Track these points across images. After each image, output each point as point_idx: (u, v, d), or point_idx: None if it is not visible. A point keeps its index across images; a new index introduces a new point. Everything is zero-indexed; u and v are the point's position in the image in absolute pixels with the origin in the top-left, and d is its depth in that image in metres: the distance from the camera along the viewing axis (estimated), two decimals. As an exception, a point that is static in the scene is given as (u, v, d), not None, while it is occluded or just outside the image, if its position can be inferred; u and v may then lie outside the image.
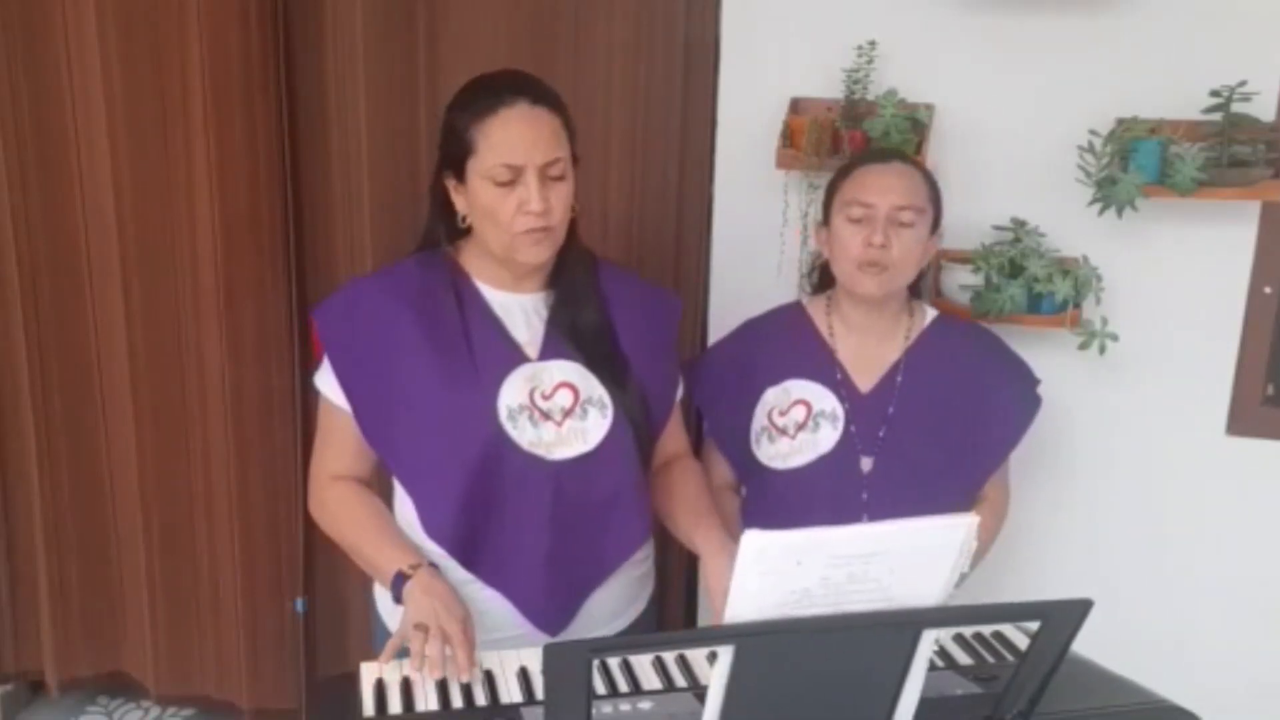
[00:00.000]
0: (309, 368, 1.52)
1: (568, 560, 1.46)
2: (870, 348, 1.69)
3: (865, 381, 1.67)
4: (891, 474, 1.62)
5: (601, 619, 1.53)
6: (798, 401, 1.66)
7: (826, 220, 1.68)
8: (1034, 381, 1.73)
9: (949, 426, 1.65)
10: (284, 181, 2.15)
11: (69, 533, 2.41)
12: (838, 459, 1.62)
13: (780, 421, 1.67)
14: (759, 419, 1.68)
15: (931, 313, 1.73)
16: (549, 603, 1.46)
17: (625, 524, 1.50)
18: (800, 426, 1.65)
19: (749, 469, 1.70)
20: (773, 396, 1.68)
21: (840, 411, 1.64)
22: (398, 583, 1.36)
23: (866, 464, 1.63)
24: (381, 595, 1.55)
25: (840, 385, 1.66)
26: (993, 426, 1.69)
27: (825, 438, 1.63)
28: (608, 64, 2.11)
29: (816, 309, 1.74)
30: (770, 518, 1.62)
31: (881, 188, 1.59)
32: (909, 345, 1.68)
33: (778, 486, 1.66)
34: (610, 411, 1.47)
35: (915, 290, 1.75)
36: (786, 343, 1.72)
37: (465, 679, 1.21)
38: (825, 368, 1.68)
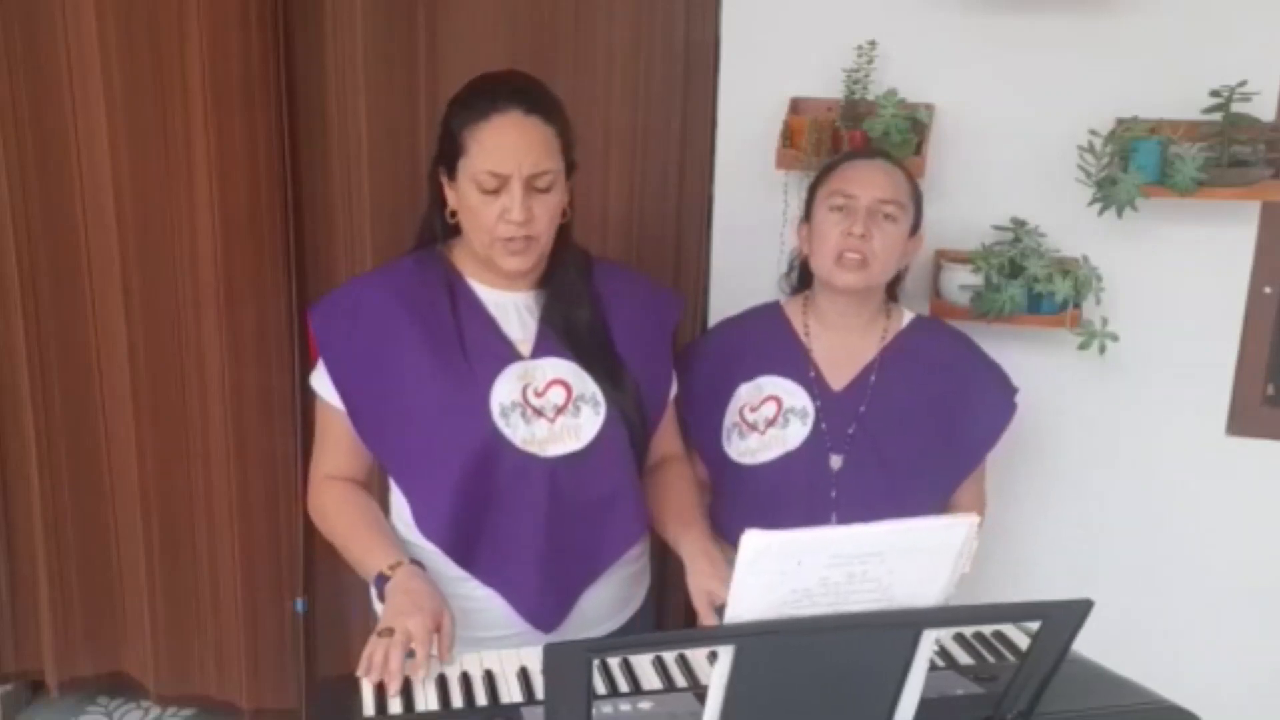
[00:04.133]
0: (309, 367, 1.52)
1: (562, 557, 1.46)
2: (845, 347, 1.68)
3: (838, 380, 1.67)
4: (861, 472, 1.61)
5: (597, 618, 1.53)
6: (769, 398, 1.66)
7: (808, 216, 1.68)
8: (1011, 390, 1.71)
9: (921, 427, 1.64)
10: (284, 181, 2.15)
11: (69, 533, 2.42)
12: (806, 456, 1.62)
13: (750, 417, 1.67)
14: (730, 415, 1.68)
15: (909, 315, 1.73)
16: (543, 600, 1.46)
17: (619, 521, 1.50)
18: (770, 423, 1.65)
19: (720, 466, 1.70)
20: (745, 393, 1.68)
21: (811, 409, 1.64)
22: (379, 583, 1.36)
23: (836, 462, 1.63)
24: (381, 595, 1.55)
25: (813, 383, 1.66)
26: (966, 430, 1.68)
27: (794, 434, 1.63)
28: (607, 65, 2.11)
29: (793, 308, 1.74)
30: (740, 515, 1.63)
31: (865, 181, 1.61)
32: (884, 345, 1.68)
33: (747, 483, 1.65)
34: (603, 409, 1.47)
35: (893, 294, 1.75)
36: (762, 340, 1.72)
37: (421, 674, 1.19)
38: (799, 365, 1.68)
